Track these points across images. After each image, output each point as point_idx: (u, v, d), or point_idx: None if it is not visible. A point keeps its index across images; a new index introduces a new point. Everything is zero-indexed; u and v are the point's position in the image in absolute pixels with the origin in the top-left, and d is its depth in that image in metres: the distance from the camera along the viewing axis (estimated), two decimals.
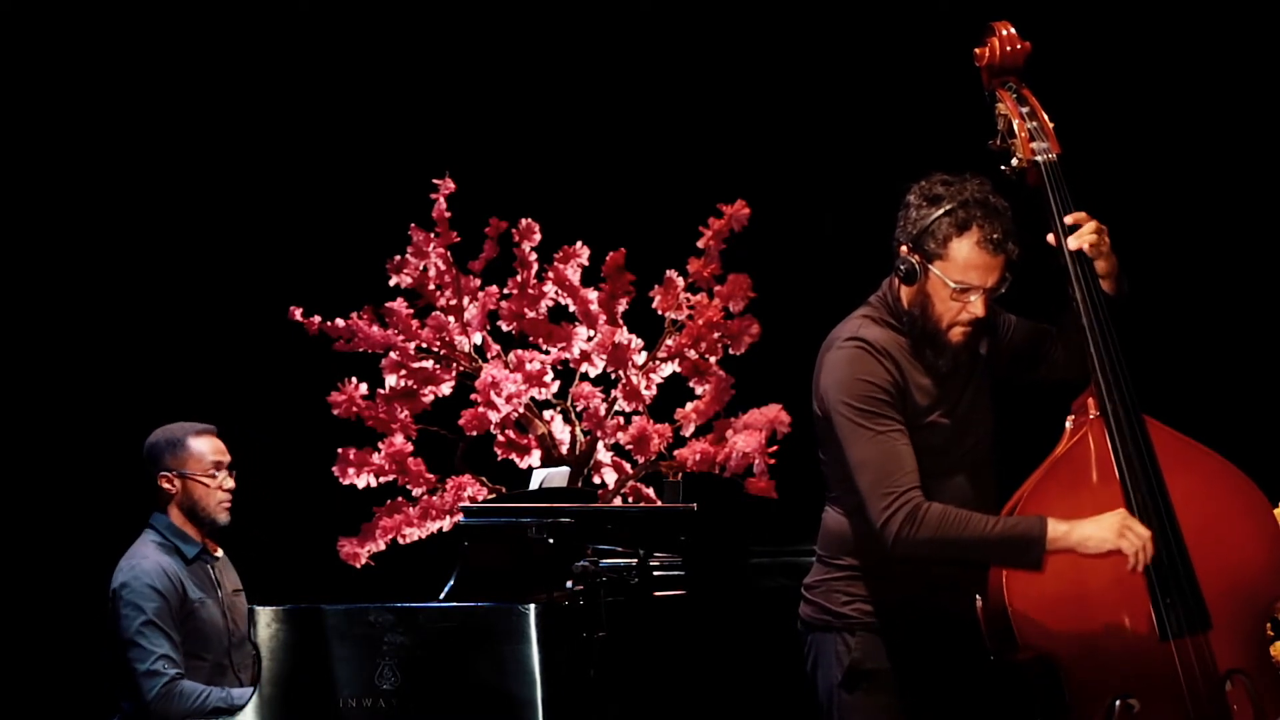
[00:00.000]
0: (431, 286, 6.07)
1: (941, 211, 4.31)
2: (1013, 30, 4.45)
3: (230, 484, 5.57)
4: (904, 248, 4.37)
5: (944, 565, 4.31)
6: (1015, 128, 4.40)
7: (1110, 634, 4.22)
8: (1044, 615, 4.21)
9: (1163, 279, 6.66)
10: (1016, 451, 4.47)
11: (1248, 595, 4.29)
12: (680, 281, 6.07)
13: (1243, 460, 4.40)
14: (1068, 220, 4.35)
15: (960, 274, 4.31)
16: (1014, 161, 4.40)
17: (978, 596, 4.27)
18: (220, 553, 5.64)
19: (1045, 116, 4.41)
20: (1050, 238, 4.37)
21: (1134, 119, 6.86)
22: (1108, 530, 4.20)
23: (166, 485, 5.53)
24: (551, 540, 5.16)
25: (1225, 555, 4.28)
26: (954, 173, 4.37)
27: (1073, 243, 4.33)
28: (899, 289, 4.41)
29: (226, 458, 5.58)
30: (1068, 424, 4.38)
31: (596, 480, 6.08)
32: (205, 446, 5.56)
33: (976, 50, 4.48)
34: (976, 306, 4.33)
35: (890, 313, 4.42)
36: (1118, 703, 4.21)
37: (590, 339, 6.04)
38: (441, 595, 5.15)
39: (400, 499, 5.97)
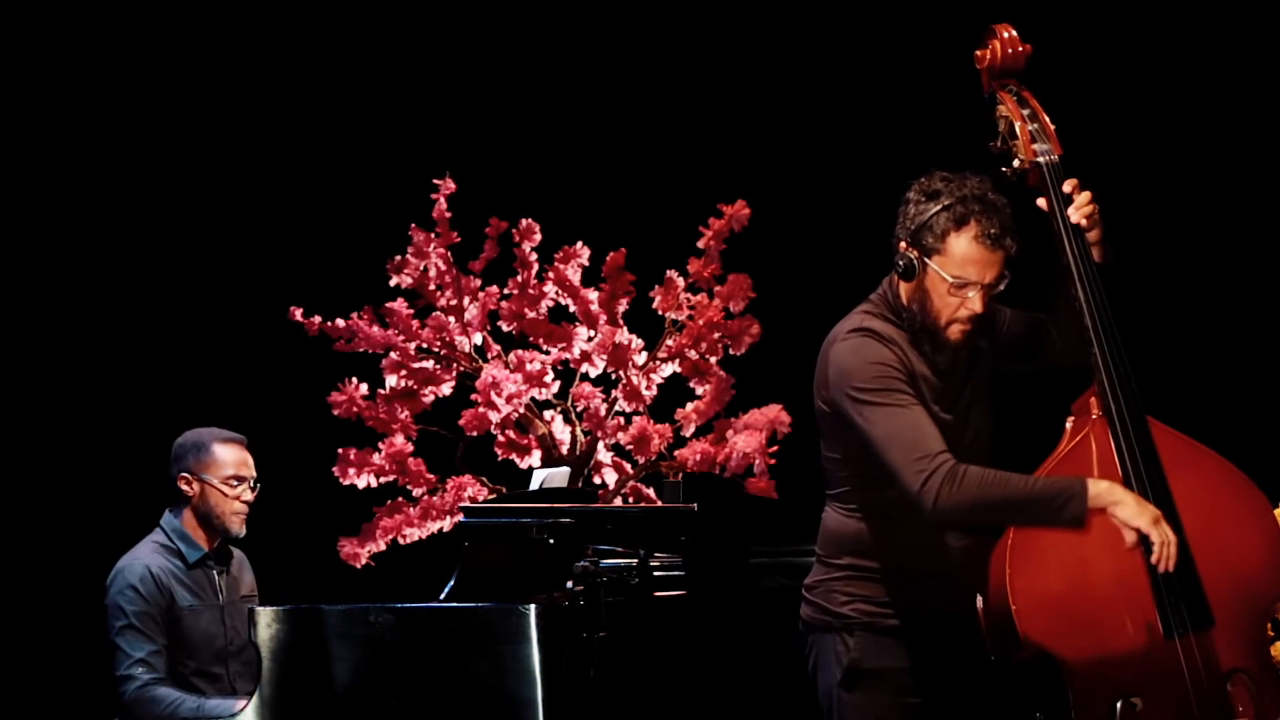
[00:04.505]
0: (432, 287, 6.06)
1: (940, 207, 4.33)
2: (1014, 33, 4.46)
3: (248, 496, 5.53)
4: (903, 243, 4.39)
5: (952, 549, 4.33)
6: (1017, 129, 4.41)
7: (1114, 633, 4.23)
8: (1047, 614, 4.21)
9: (1164, 279, 6.67)
10: (1017, 451, 4.47)
11: (1248, 595, 4.30)
12: (680, 281, 6.07)
13: (1243, 460, 4.40)
14: (1066, 188, 4.36)
15: (958, 269, 4.33)
16: (1015, 163, 4.41)
17: (979, 596, 4.28)
18: (237, 555, 5.62)
19: (1046, 118, 4.41)
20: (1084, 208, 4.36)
21: (1134, 119, 6.86)
22: (1146, 511, 4.20)
23: (185, 486, 5.50)
24: (552, 540, 5.16)
25: (1226, 555, 4.29)
26: (954, 171, 4.38)
27: (1074, 214, 4.35)
28: (898, 286, 4.43)
29: (250, 471, 5.55)
30: (1068, 424, 4.39)
31: (597, 480, 6.08)
32: (229, 455, 5.53)
33: (977, 53, 4.48)
34: (975, 303, 4.35)
35: (890, 309, 4.43)
36: (1120, 702, 4.22)
37: (590, 339, 6.04)
38: (441, 595, 5.15)
39: (400, 499, 5.97)
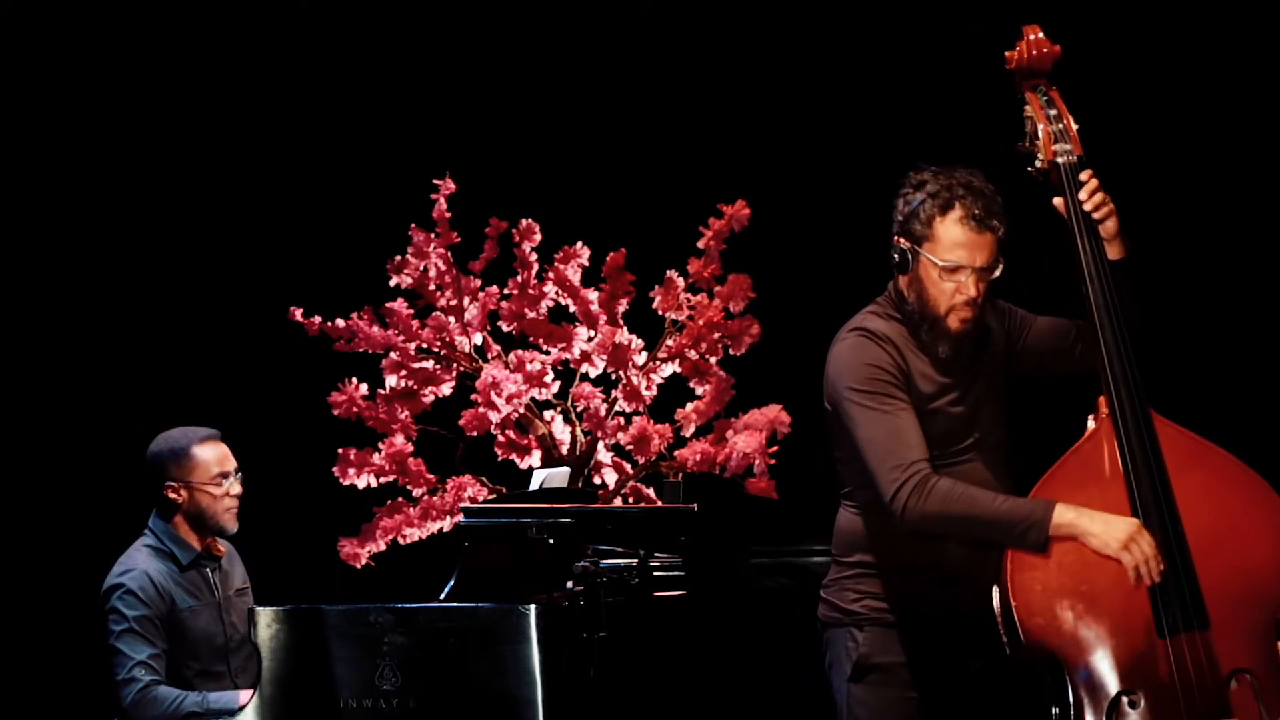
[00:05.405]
0: (432, 287, 6.06)
1: (925, 194, 4.43)
2: (1041, 34, 4.53)
3: (237, 489, 5.53)
4: (896, 236, 4.48)
5: (956, 546, 4.36)
6: (1040, 129, 4.47)
7: (1112, 630, 4.25)
8: (1046, 611, 4.24)
9: (1179, 279, 6.66)
10: (1040, 450, 4.48)
11: (1254, 596, 4.31)
12: (680, 281, 6.07)
13: (1257, 460, 4.40)
14: (1081, 177, 4.41)
15: (948, 253, 4.40)
16: (1037, 162, 4.48)
17: (994, 592, 4.30)
18: (226, 550, 5.62)
19: (1070, 119, 4.47)
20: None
21: (1152, 120, 6.85)
22: (1116, 534, 4.23)
23: (173, 495, 5.49)
24: (551, 540, 5.16)
25: (1235, 555, 4.30)
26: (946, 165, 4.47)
27: (1084, 199, 4.38)
28: (899, 280, 4.51)
29: (232, 464, 5.55)
30: (1090, 423, 4.42)
31: (597, 480, 6.08)
32: (210, 454, 5.52)
33: (1007, 54, 4.55)
34: (969, 287, 4.41)
35: (894, 306, 4.51)
36: (1122, 699, 4.23)
37: (590, 339, 6.04)
38: (441, 595, 5.15)
39: (400, 499, 5.96)
